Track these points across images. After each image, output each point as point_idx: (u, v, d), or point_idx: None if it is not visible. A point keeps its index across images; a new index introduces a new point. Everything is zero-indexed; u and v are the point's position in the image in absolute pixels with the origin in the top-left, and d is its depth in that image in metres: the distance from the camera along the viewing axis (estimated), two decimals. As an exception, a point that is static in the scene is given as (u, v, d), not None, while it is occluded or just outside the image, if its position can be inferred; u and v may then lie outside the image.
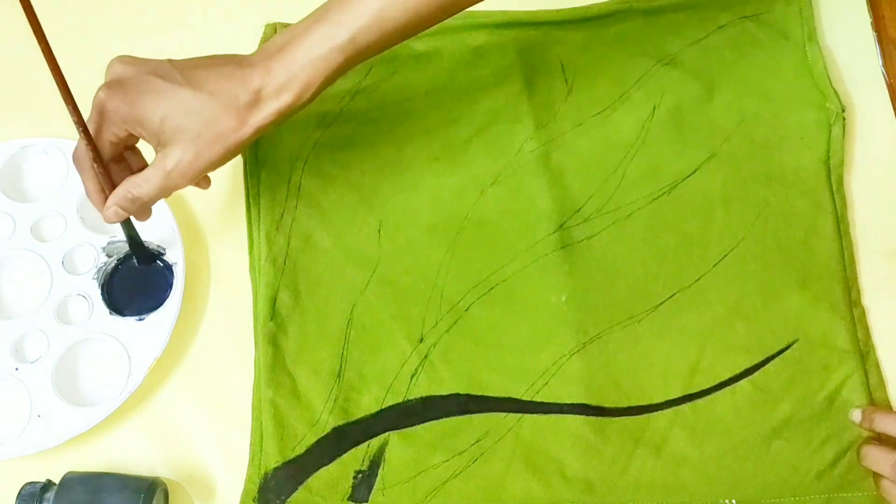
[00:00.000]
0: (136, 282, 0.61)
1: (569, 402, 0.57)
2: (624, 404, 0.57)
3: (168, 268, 0.61)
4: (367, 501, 0.55)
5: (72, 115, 0.50)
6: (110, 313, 0.60)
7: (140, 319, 0.60)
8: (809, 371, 0.58)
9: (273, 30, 0.69)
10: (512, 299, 0.60)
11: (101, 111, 0.50)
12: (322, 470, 0.56)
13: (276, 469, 0.56)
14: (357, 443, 0.57)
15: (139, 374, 0.58)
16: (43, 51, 0.49)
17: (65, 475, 0.54)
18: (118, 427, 0.59)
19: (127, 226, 0.57)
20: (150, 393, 0.59)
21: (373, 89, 0.67)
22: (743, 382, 0.58)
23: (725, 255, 0.61)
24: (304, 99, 0.50)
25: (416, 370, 0.58)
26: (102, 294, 0.60)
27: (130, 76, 0.50)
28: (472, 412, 0.57)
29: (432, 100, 0.66)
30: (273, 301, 0.60)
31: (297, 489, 0.56)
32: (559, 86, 0.66)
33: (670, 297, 0.60)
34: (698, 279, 0.60)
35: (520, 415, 0.57)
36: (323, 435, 0.57)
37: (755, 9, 0.68)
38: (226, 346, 0.61)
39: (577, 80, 0.66)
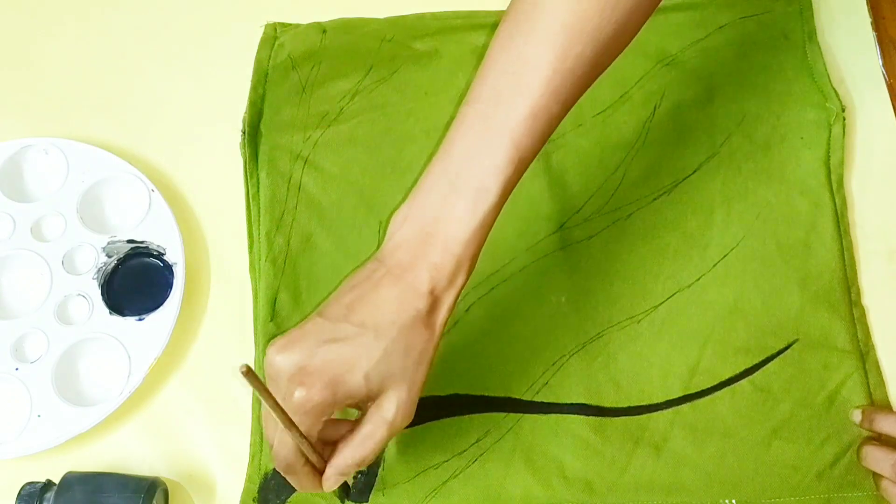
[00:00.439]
0: (136, 282, 0.61)
1: (569, 402, 0.57)
2: (624, 404, 0.57)
3: (168, 268, 0.61)
4: (366, 501, 0.55)
5: (295, 437, 0.44)
6: (110, 313, 0.60)
7: (140, 319, 0.60)
8: (809, 371, 0.57)
9: (273, 30, 0.69)
10: (512, 300, 0.60)
11: (306, 411, 0.44)
12: (322, 470, 0.56)
13: (275, 469, 0.56)
14: (357, 443, 0.57)
15: (139, 374, 0.58)
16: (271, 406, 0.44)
17: (65, 475, 0.54)
18: (118, 427, 0.59)
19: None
20: (150, 393, 0.59)
21: (373, 89, 0.67)
22: (743, 382, 0.58)
23: (725, 255, 0.61)
24: (474, 267, 0.46)
25: (416, 370, 0.58)
26: (102, 294, 0.60)
27: (306, 361, 0.44)
28: (472, 412, 0.57)
29: (432, 100, 0.66)
30: (273, 301, 0.60)
31: (296, 489, 0.56)
32: (559, 86, 0.66)
33: (670, 297, 0.60)
34: (698, 279, 0.60)
35: (520, 415, 0.57)
36: (323, 435, 0.57)
37: (755, 9, 0.68)
38: (226, 346, 0.61)
39: (577, 80, 0.66)
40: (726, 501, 0.55)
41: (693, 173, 0.63)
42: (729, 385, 0.58)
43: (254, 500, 0.56)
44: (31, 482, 0.55)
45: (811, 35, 0.66)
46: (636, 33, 0.49)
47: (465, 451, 0.57)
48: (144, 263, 0.62)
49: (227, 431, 0.58)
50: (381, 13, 0.70)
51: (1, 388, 0.59)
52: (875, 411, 0.55)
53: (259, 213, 0.63)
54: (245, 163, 0.64)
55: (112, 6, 0.72)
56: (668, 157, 0.63)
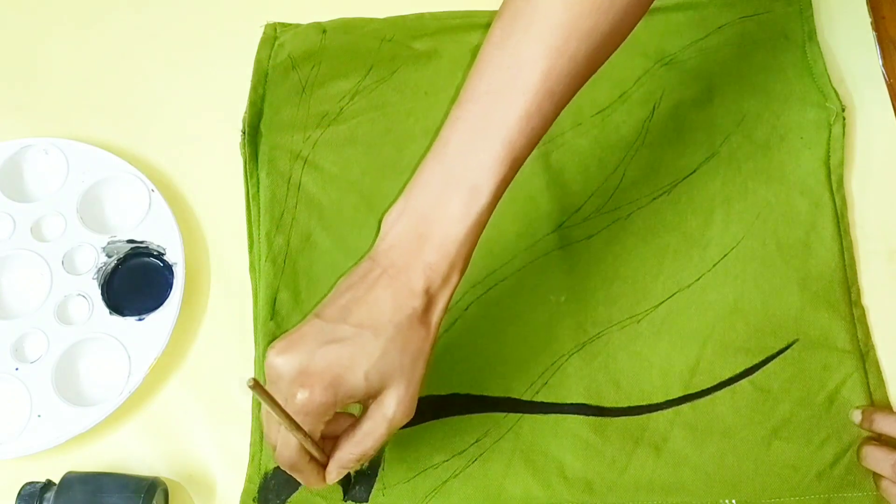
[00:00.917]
0: (136, 282, 0.61)
1: (568, 402, 0.57)
2: (624, 404, 0.57)
3: (168, 268, 0.61)
4: (366, 501, 0.55)
5: (300, 438, 0.45)
6: (110, 313, 0.60)
7: (140, 319, 0.60)
8: (809, 371, 0.57)
9: (273, 29, 0.69)
10: (511, 299, 0.60)
11: (308, 412, 0.44)
12: (322, 470, 0.56)
13: (276, 469, 0.56)
14: (357, 443, 0.57)
15: (139, 374, 0.58)
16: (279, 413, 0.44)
17: (65, 475, 0.54)
18: (118, 427, 0.59)
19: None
20: (150, 393, 0.59)
21: (373, 89, 0.67)
22: (743, 382, 0.58)
23: (725, 255, 0.61)
24: (468, 264, 0.47)
25: (415, 370, 0.58)
26: (102, 294, 0.60)
27: (306, 363, 0.44)
28: (471, 412, 0.57)
29: (432, 99, 0.66)
30: (273, 301, 0.60)
31: (296, 489, 0.56)
32: (559, 86, 0.66)
33: (670, 296, 0.60)
34: (698, 279, 0.60)
35: (519, 415, 0.57)
36: (323, 435, 0.57)
37: (755, 9, 0.68)
38: (226, 346, 0.61)
39: (576, 80, 0.66)
40: (726, 501, 0.55)
41: (693, 173, 0.63)
42: (729, 385, 0.58)
43: (254, 500, 0.56)
44: (31, 482, 0.55)
45: (811, 35, 0.66)
46: (630, 31, 0.49)
47: (464, 450, 0.57)
48: (144, 263, 0.62)
49: (227, 431, 0.58)
50: (381, 13, 0.70)
51: (1, 388, 0.59)
52: (875, 411, 0.55)
53: (259, 212, 0.63)
54: (245, 163, 0.64)
55: (112, 6, 0.72)
56: (668, 156, 0.63)
